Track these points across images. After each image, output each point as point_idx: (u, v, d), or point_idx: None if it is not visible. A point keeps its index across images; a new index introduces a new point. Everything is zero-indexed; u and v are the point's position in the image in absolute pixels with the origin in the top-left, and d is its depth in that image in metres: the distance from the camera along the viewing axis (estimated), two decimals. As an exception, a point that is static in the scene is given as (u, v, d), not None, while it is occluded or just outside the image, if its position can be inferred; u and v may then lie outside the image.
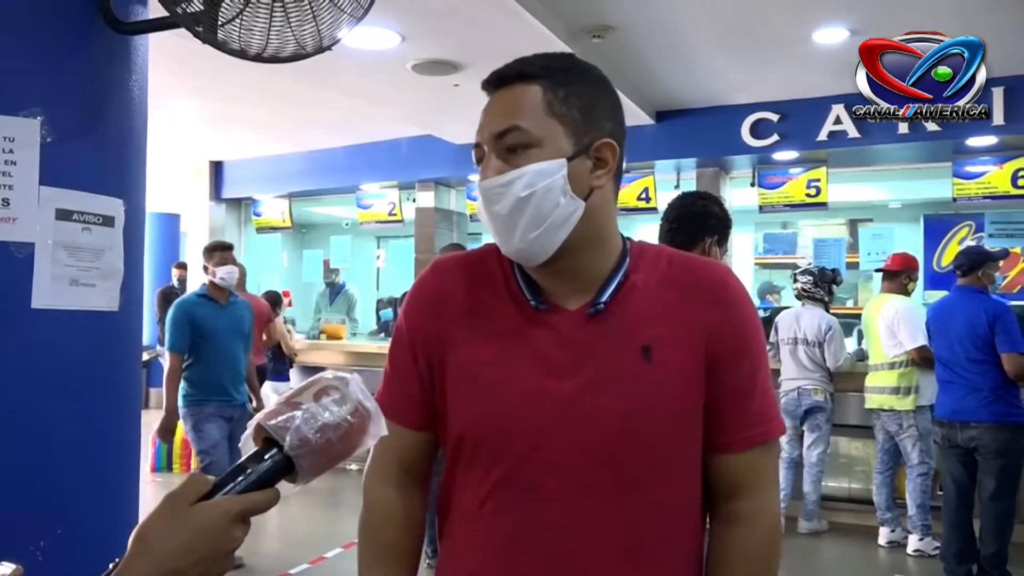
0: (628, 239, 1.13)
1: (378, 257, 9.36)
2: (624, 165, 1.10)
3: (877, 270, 4.96)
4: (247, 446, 0.77)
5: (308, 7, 1.51)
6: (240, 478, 0.74)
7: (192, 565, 0.69)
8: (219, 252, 4.13)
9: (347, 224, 8.62)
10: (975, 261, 4.11)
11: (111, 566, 0.70)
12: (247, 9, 1.51)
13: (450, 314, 1.09)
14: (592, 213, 1.03)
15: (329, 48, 1.57)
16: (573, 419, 1.01)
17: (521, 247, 1.02)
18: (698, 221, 2.31)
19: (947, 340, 4.09)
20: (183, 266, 8.31)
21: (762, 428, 1.08)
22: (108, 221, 1.63)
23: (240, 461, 0.75)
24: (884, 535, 4.78)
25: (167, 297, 8.08)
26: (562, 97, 1.02)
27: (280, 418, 0.74)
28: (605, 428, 1.01)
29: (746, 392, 1.07)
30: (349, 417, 0.75)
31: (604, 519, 1.01)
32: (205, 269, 4.13)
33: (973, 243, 5.78)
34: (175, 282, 8.22)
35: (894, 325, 4.64)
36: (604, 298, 1.05)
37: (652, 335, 1.03)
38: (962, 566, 4.02)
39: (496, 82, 1.06)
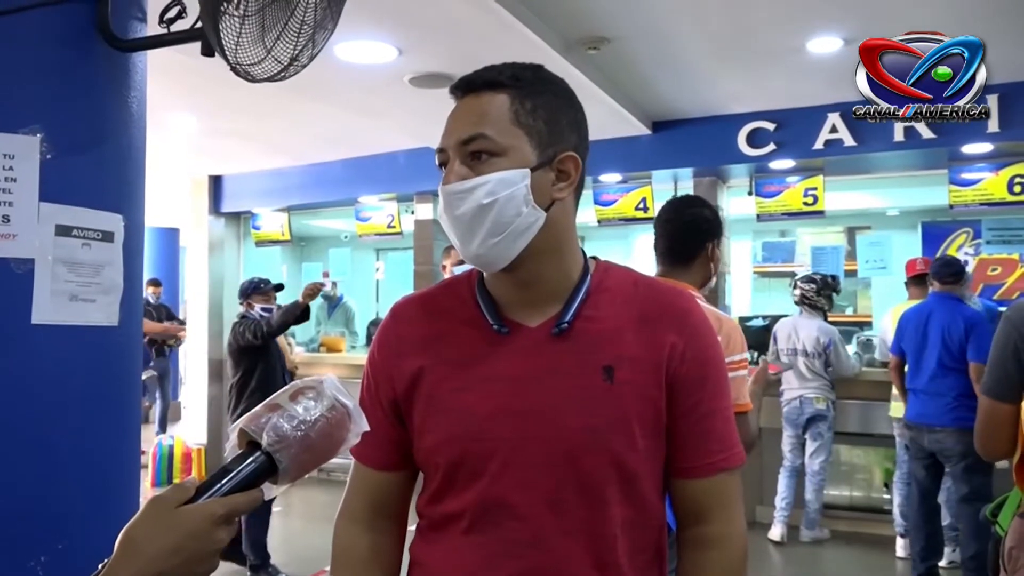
0: (594, 257, 1.14)
1: (377, 269, 9.37)
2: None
3: (914, 276, 4.85)
4: (231, 451, 0.79)
5: (288, 24, 1.53)
6: (223, 480, 0.76)
7: (177, 567, 0.71)
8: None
9: (346, 237, 8.63)
10: (962, 269, 4.26)
11: (100, 567, 0.72)
12: (244, 28, 1.52)
13: (410, 350, 1.10)
14: (552, 224, 1.04)
15: (304, 65, 1.58)
16: (540, 435, 1.02)
17: (480, 253, 1.02)
18: (694, 232, 2.31)
19: (923, 344, 4.17)
20: (153, 282, 8.41)
21: (724, 455, 1.09)
22: (108, 236, 1.64)
23: (223, 464, 0.78)
24: (904, 546, 4.73)
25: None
26: (529, 108, 1.03)
27: (260, 420, 0.77)
28: (571, 443, 1.02)
29: (707, 417, 1.08)
30: (326, 413, 0.78)
31: (573, 536, 1.02)
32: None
33: (971, 250, 5.79)
34: (150, 298, 8.32)
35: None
36: (568, 317, 1.05)
37: (615, 354, 1.04)
38: (924, 563, 4.16)
39: (464, 88, 1.06)
